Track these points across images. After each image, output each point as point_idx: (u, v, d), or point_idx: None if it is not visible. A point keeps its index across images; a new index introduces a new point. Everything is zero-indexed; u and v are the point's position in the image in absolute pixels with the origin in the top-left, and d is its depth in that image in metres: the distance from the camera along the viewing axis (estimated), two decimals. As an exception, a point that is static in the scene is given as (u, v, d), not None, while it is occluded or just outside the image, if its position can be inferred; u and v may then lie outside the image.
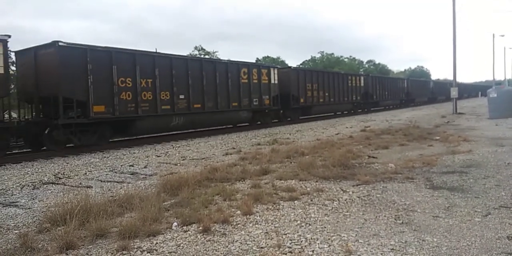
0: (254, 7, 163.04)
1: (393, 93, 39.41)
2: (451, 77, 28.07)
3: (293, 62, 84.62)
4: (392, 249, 3.64)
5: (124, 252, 3.76)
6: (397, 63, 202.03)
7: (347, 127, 18.08)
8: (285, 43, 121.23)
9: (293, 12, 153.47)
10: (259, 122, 20.57)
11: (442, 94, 54.89)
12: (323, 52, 79.45)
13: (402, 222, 4.38)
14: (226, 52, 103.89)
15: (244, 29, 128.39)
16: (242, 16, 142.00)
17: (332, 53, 79.57)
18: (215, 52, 54.98)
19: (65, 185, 7.30)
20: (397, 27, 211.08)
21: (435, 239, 3.85)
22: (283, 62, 64.98)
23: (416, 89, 46.53)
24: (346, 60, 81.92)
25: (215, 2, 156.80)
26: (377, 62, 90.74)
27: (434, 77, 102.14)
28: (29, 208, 5.68)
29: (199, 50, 54.13)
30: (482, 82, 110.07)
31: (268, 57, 67.99)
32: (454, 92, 26.01)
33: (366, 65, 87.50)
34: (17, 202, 6.13)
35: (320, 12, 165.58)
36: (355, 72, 44.39)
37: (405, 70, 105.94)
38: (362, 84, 32.28)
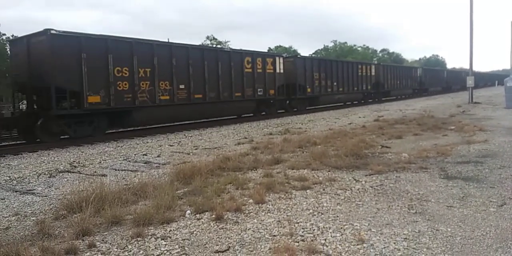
0: None
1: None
2: (467, 66, 27.47)
3: (305, 51, 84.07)
4: (405, 238, 3.62)
5: (138, 238, 3.82)
6: (411, 52, 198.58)
7: (359, 117, 17.92)
8: (296, 32, 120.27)
9: (303, 1, 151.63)
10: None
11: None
12: (336, 41, 78.54)
13: (416, 212, 4.35)
14: (237, 42, 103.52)
15: (254, 19, 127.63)
16: (252, 6, 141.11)
17: (345, 42, 78.60)
18: (227, 41, 54.81)
19: (81, 173, 7.43)
20: (411, 15, 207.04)
21: (449, 229, 3.82)
22: (295, 51, 64.51)
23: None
24: (359, 49, 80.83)
25: None
26: (391, 51, 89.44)
27: (449, 66, 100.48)
28: (46, 196, 5.80)
29: (211, 40, 54.03)
30: (499, 71, 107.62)
31: (280, 46, 67.53)
32: (470, 81, 25.50)
33: (380, 54, 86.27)
34: (34, 190, 6.26)
35: (329, 1, 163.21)
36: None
37: (420, 59, 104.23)
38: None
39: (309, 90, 23.08)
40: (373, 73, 31.57)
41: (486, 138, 9.32)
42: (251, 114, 19.75)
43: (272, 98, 20.16)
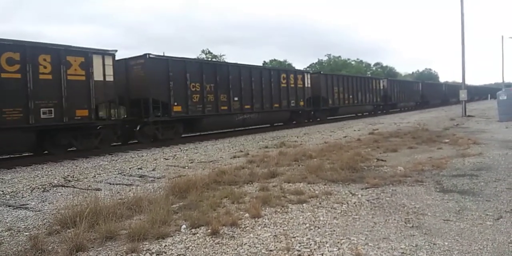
0: (253, 11, 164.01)
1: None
2: (459, 80, 27.91)
3: (299, 65, 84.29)
4: (403, 253, 3.60)
5: (133, 254, 3.77)
6: (404, 65, 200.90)
7: (354, 130, 17.99)
8: (289, 46, 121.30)
9: (293, 15, 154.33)
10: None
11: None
12: (330, 55, 79.23)
13: (412, 226, 4.34)
14: (231, 55, 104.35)
15: (246, 33, 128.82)
16: (243, 20, 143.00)
17: (339, 56, 79.32)
18: (222, 55, 55.03)
19: (75, 187, 7.36)
20: (403, 29, 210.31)
21: (446, 243, 3.81)
22: (289, 65, 64.91)
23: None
24: (353, 62, 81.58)
25: (214, 6, 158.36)
26: (384, 65, 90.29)
27: (442, 79, 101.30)
28: (39, 211, 5.73)
29: (206, 54, 54.32)
30: (491, 84, 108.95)
31: (275, 60, 67.94)
32: (463, 95, 25.78)
33: (374, 68, 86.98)
34: (27, 204, 6.18)
35: (321, 15, 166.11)
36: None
37: (413, 72, 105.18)
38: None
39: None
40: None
41: (481, 151, 9.38)
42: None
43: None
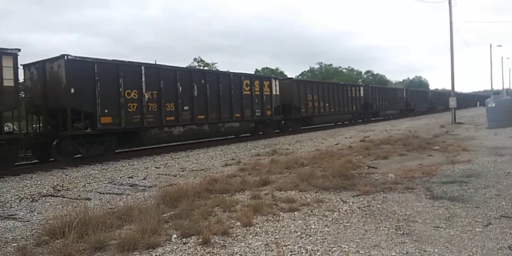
0: (240, 20, 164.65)
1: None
2: (449, 87, 28.20)
3: (291, 73, 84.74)
4: (393, 260, 3.61)
5: (123, 265, 3.73)
6: (394, 73, 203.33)
7: (346, 138, 18.08)
8: (278, 54, 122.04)
9: (280, 24, 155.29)
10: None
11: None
12: (321, 63, 79.99)
13: (403, 233, 4.36)
14: (221, 64, 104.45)
15: (234, 42, 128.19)
16: (230, 29, 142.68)
17: (331, 64, 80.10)
18: (215, 63, 55.41)
19: (64, 197, 7.27)
20: (393, 37, 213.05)
21: (436, 250, 3.82)
22: (281, 72, 65.33)
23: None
24: (344, 70, 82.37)
25: (199, 15, 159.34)
26: (375, 73, 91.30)
27: (432, 87, 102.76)
28: (28, 221, 5.64)
29: (198, 62, 54.50)
30: (480, 92, 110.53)
31: (267, 68, 68.37)
32: (452, 102, 26.08)
33: (365, 76, 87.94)
34: (16, 214, 6.09)
35: (307, 24, 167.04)
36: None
37: (403, 80, 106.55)
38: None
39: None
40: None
41: (470, 158, 9.47)
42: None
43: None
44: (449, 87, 28.39)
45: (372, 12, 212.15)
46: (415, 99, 46.98)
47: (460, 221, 4.73)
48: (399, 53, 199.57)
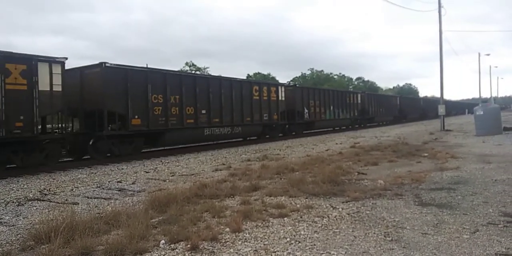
0: (225, 26, 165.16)
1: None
2: (438, 95, 28.61)
3: (282, 78, 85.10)
4: (382, 267, 3.61)
5: (109, 271, 3.68)
6: (385, 80, 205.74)
7: (336, 143, 18.15)
8: (266, 60, 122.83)
9: (267, 30, 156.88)
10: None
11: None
12: (312, 69, 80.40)
13: (392, 239, 4.37)
14: (211, 69, 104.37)
15: (221, 47, 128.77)
16: (217, 34, 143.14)
17: (322, 70, 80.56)
18: (206, 68, 55.36)
19: (51, 201, 7.16)
20: (381, 45, 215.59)
21: (424, 257, 3.84)
22: (273, 78, 65.50)
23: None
24: (335, 77, 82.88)
25: (185, 20, 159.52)
26: (366, 79, 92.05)
27: (422, 94, 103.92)
28: (13, 225, 5.54)
29: (190, 66, 54.42)
30: (468, 100, 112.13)
31: (259, 73, 68.52)
32: (441, 110, 26.39)
33: (356, 82, 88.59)
34: (1, 219, 5.98)
35: (294, 31, 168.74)
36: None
37: (393, 87, 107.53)
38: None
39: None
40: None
41: (458, 165, 9.57)
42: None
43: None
44: (438, 95, 28.83)
45: (360, 20, 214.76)
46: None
47: (448, 228, 4.76)
48: (388, 60, 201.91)
